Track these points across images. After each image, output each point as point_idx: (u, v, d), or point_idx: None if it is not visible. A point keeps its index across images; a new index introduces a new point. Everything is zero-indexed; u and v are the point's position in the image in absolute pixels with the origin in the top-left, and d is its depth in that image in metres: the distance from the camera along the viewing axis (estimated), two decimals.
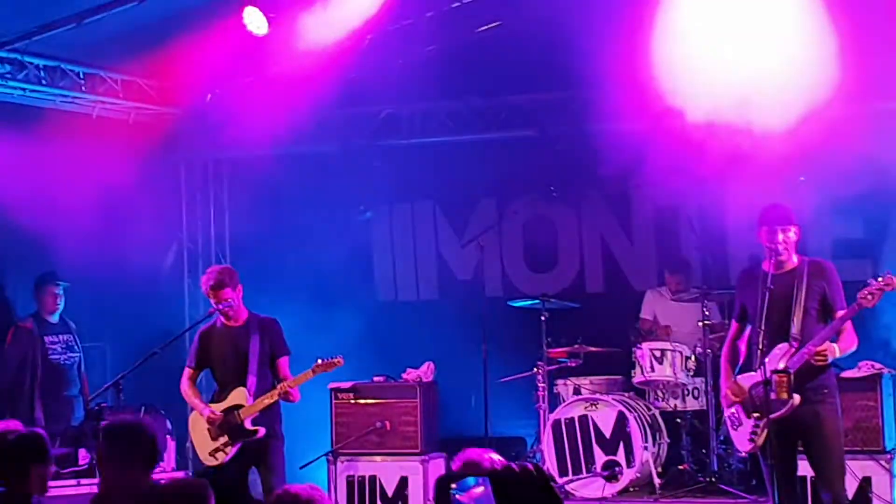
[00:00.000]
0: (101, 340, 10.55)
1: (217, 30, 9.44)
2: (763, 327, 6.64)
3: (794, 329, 6.69)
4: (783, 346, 6.68)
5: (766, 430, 6.61)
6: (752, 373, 6.77)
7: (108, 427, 5.34)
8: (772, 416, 6.56)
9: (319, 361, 7.70)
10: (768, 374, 6.52)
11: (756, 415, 6.69)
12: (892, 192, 9.72)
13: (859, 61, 9.03)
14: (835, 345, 6.67)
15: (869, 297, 6.58)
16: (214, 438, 7.67)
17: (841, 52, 8.84)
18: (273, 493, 7.22)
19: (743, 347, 7.01)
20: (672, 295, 10.06)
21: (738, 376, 6.95)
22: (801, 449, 6.83)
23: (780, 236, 6.77)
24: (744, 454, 7.29)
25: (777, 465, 6.60)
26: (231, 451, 7.61)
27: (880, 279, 6.59)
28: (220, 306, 7.65)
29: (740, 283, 7.16)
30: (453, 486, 3.22)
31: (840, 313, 6.73)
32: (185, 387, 7.89)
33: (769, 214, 6.87)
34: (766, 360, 6.59)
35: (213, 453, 7.69)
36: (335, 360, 7.72)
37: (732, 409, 6.94)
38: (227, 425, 7.61)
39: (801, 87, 9.34)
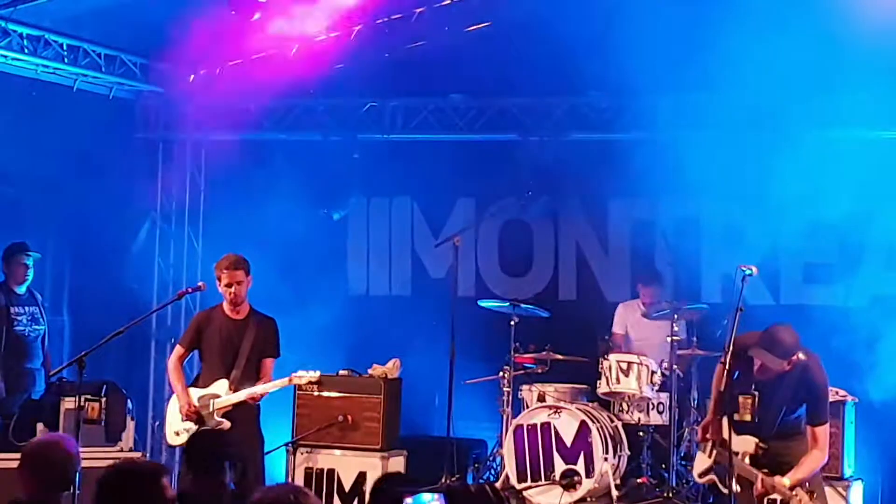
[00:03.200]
0: (60, 314, 10.45)
1: (205, 11, 9.37)
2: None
3: (763, 433, 6.75)
4: (750, 442, 6.73)
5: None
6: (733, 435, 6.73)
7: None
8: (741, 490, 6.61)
9: (300, 373, 7.72)
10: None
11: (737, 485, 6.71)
12: (865, 218, 9.76)
13: (836, 89, 9.11)
14: (785, 480, 6.56)
15: None
16: (183, 420, 7.70)
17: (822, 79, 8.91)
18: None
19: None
20: (644, 308, 10.05)
21: (724, 420, 6.99)
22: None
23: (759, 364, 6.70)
24: (696, 478, 7.39)
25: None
26: None
27: None
28: (232, 289, 7.65)
29: (736, 352, 6.68)
30: (408, 500, 3.19)
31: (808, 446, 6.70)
32: (172, 366, 7.94)
33: (760, 346, 6.59)
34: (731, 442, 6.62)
35: (178, 433, 7.76)
36: (313, 377, 7.75)
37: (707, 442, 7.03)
38: (197, 412, 7.64)
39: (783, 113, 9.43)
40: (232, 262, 7.74)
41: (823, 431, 6.76)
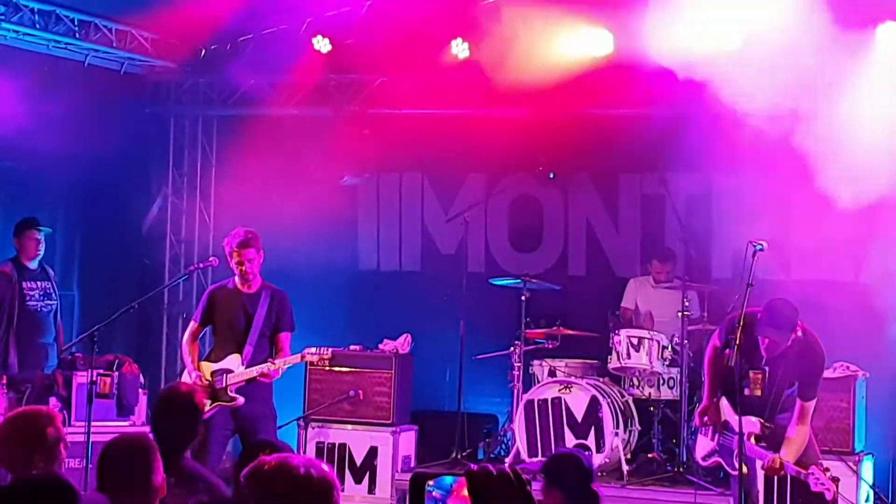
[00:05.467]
0: (71, 289, 10.48)
1: None
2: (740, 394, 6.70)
3: (766, 413, 6.79)
4: (756, 423, 6.76)
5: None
6: (733, 414, 6.81)
7: None
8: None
9: (312, 350, 7.74)
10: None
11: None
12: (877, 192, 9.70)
13: None
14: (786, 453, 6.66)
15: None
16: None
17: None
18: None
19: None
20: (655, 283, 10.04)
21: (722, 402, 6.99)
22: None
23: (766, 342, 6.69)
24: (699, 460, 7.43)
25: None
26: (208, 410, 7.65)
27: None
28: (244, 267, 7.67)
29: (745, 326, 6.69)
30: (430, 483, 3.17)
31: (794, 417, 6.74)
32: (186, 341, 7.97)
33: (765, 324, 6.63)
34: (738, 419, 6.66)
35: None
36: (325, 355, 7.77)
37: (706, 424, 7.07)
38: (211, 386, 7.67)
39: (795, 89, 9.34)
40: (242, 240, 7.72)
41: (811, 407, 6.78)
